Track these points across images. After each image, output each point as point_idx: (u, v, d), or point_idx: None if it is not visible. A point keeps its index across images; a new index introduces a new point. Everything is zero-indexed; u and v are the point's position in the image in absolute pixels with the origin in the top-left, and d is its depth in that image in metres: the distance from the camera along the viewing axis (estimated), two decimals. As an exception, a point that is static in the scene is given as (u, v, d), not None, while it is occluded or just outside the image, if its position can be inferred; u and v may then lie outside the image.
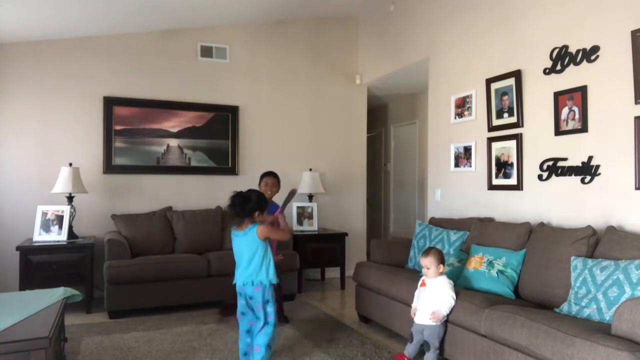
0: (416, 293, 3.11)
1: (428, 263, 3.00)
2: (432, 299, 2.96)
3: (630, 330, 2.05)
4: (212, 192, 5.32)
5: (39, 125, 4.78)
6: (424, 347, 3.03)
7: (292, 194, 3.58)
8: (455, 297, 2.93)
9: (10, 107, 4.70)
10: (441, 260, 3.02)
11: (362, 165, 6.24)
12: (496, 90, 3.95)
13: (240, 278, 2.86)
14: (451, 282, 3.01)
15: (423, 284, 3.06)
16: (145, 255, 4.44)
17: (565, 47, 3.35)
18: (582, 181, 3.23)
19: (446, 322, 2.98)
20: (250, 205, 2.82)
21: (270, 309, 2.86)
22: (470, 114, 4.26)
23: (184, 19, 5.09)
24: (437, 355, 2.97)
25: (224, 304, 4.07)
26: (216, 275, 4.38)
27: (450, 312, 2.92)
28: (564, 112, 3.35)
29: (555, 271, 2.86)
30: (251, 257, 2.82)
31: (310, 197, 5.70)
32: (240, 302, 2.90)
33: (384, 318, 3.68)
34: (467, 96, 4.29)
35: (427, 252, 3.06)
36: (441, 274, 3.01)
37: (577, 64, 3.26)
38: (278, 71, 5.78)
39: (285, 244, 4.86)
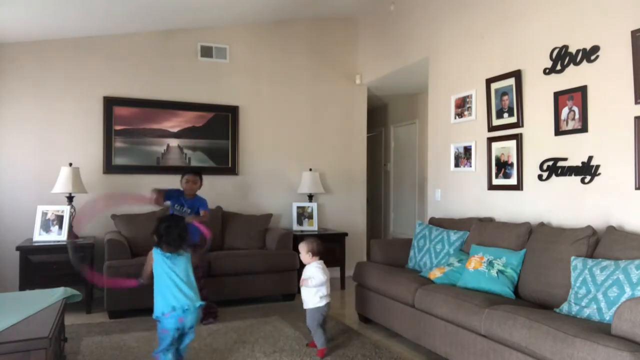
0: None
1: (299, 248, 3.42)
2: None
3: (630, 330, 2.05)
4: (212, 192, 5.30)
5: (39, 125, 4.78)
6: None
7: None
8: (322, 278, 3.27)
9: (11, 107, 4.70)
10: (310, 249, 3.34)
11: (362, 165, 6.24)
12: (496, 90, 3.95)
13: (178, 304, 2.68)
14: (318, 266, 3.31)
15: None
16: (145, 256, 4.43)
17: (565, 47, 3.35)
18: (582, 181, 3.23)
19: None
20: (188, 238, 2.88)
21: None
22: (470, 114, 4.26)
23: (184, 19, 5.09)
24: (319, 338, 3.24)
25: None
26: (216, 275, 4.38)
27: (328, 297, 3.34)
28: (564, 112, 3.35)
29: (555, 271, 2.86)
30: (186, 278, 2.77)
31: (310, 197, 5.70)
32: (172, 337, 2.70)
33: (384, 318, 3.68)
34: (467, 96, 4.29)
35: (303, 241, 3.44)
36: (315, 260, 3.36)
37: (577, 64, 3.26)
38: (278, 71, 5.78)
39: (287, 243, 4.86)
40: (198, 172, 4.18)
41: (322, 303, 3.30)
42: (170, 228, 2.80)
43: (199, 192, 4.19)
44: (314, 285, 3.28)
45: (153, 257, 2.80)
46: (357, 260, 5.50)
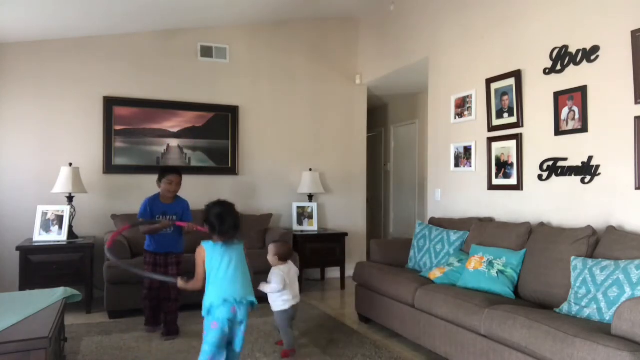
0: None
1: (269, 248, 3.38)
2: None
3: (630, 330, 2.05)
4: (212, 192, 5.30)
5: (39, 125, 4.78)
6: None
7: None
8: (276, 287, 3.23)
9: (10, 107, 4.70)
10: (277, 253, 3.33)
11: (362, 165, 6.24)
12: (496, 90, 3.95)
13: (231, 295, 2.43)
14: (279, 274, 3.25)
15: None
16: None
17: (565, 47, 3.35)
18: (582, 181, 3.23)
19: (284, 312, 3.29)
20: (240, 227, 2.61)
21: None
22: (470, 114, 4.26)
23: (184, 19, 5.09)
24: (287, 338, 3.26)
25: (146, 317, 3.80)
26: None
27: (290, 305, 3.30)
28: (564, 112, 3.35)
29: (555, 271, 2.86)
30: (242, 269, 2.54)
31: (310, 197, 5.70)
32: (223, 332, 2.43)
33: (384, 318, 3.67)
34: (467, 96, 4.29)
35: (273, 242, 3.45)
36: (281, 265, 3.33)
37: (577, 64, 3.26)
38: (278, 71, 5.78)
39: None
40: (180, 172, 3.76)
41: (287, 306, 3.27)
42: (223, 216, 2.53)
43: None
44: (267, 292, 3.26)
45: (205, 251, 2.51)
46: (357, 260, 5.51)
